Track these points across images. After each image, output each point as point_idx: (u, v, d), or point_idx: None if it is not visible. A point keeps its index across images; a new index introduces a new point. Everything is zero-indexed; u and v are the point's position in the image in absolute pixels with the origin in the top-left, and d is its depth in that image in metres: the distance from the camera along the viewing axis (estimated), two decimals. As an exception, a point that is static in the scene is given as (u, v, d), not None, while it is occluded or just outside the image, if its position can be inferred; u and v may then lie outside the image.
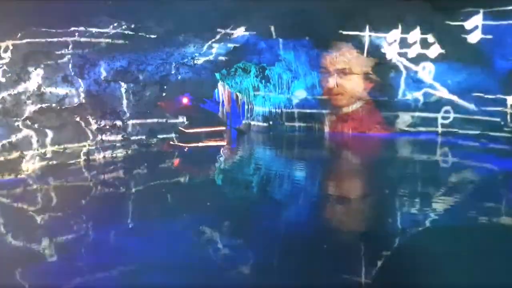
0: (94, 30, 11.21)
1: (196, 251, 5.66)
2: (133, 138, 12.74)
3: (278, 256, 5.53)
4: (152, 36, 12.35)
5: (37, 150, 10.25)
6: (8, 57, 9.92)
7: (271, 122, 17.11)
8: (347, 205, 7.95)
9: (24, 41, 10.06)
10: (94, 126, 11.74)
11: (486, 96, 14.12)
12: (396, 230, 6.40)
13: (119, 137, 12.37)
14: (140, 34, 12.08)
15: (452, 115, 14.85)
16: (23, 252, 5.70)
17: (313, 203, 8.06)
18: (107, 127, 12.15)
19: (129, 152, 12.14)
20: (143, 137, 13.05)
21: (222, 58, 15.00)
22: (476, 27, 13.40)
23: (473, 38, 13.52)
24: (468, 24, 13.43)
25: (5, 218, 7.10)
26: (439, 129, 15.10)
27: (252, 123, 17.55)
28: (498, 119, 13.95)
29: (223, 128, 16.73)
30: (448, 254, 5.39)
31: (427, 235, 6.19)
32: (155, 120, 13.61)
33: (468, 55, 13.63)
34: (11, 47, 9.90)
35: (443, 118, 14.99)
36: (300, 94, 16.45)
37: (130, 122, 12.86)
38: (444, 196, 8.20)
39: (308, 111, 16.77)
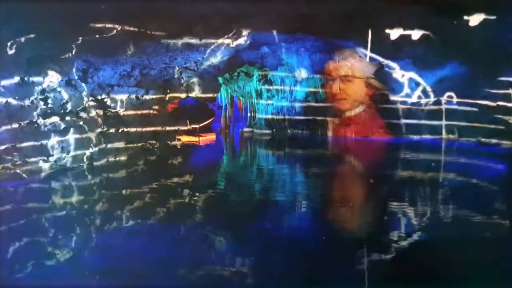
0: (97, 34, 11.28)
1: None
2: (135, 142, 12.77)
3: (276, 260, 5.55)
4: (155, 41, 12.42)
5: (40, 154, 10.29)
6: (12, 61, 9.99)
7: (274, 129, 17.12)
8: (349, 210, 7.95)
9: (28, 45, 10.12)
10: (97, 130, 11.78)
11: (489, 102, 14.13)
12: (395, 235, 6.40)
13: (122, 142, 12.41)
14: (143, 38, 12.15)
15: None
16: (25, 253, 5.72)
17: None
18: (110, 131, 12.19)
19: (132, 156, 12.17)
20: (146, 141, 13.08)
21: (224, 62, 15.04)
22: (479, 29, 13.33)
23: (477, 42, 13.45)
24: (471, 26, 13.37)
25: (7, 220, 7.13)
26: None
27: (255, 127, 17.57)
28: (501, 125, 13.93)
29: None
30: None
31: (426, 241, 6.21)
32: (158, 123, 13.65)
33: (471, 59, 13.60)
34: (15, 51, 9.97)
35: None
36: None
37: (133, 125, 12.91)
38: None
39: (311, 114, 16.79)
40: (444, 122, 15.19)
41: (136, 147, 12.68)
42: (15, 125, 10.10)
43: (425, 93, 15.38)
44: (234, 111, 19.14)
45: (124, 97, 12.84)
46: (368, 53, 14.80)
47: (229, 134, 18.05)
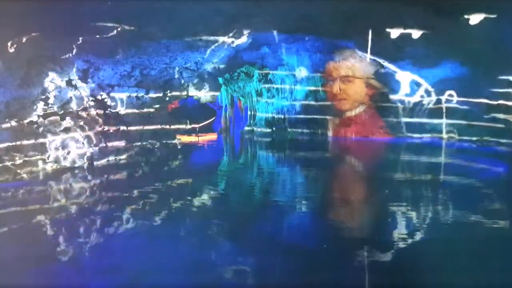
0: (98, 34, 11.28)
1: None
2: (136, 141, 12.78)
3: (278, 260, 5.54)
4: (156, 41, 12.43)
5: (41, 153, 10.30)
6: (12, 61, 10.00)
7: (274, 129, 17.11)
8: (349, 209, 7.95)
9: (29, 45, 10.13)
10: (97, 130, 11.78)
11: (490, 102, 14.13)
12: (395, 234, 6.41)
13: (123, 141, 12.42)
14: (143, 38, 12.16)
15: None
16: (27, 254, 5.72)
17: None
18: (111, 131, 12.20)
19: (133, 156, 12.17)
20: (147, 141, 13.09)
21: (225, 62, 15.05)
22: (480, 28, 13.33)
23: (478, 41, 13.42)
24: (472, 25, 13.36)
25: (8, 221, 7.12)
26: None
27: (255, 127, 17.56)
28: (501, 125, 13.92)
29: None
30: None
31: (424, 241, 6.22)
32: (159, 123, 13.67)
33: (472, 58, 13.60)
34: (15, 51, 9.97)
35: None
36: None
37: (133, 126, 12.92)
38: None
39: (311, 115, 16.78)
40: (444, 121, 15.18)
41: (136, 146, 12.68)
42: (15, 125, 10.11)
43: (426, 92, 15.37)
44: (234, 111, 19.10)
45: (124, 97, 12.85)
46: (369, 53, 14.80)
47: (229, 134, 18.03)
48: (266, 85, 16.97)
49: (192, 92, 15.01)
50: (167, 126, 13.97)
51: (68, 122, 11.10)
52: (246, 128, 17.84)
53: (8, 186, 8.96)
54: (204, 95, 15.24)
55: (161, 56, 13.13)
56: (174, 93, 14.47)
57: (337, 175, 11.12)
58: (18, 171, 9.62)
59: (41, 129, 10.52)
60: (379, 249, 5.78)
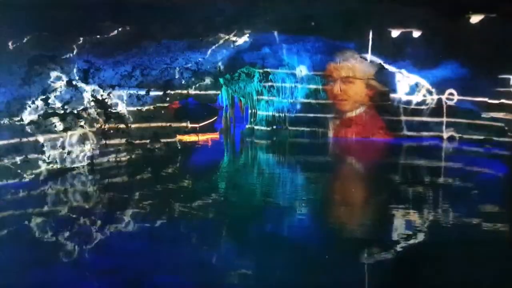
0: (98, 34, 11.30)
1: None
2: (137, 142, 12.77)
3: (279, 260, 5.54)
4: (156, 41, 12.44)
5: (41, 153, 10.30)
6: (13, 61, 10.01)
7: (275, 130, 17.09)
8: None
9: (29, 45, 10.14)
10: (98, 130, 11.79)
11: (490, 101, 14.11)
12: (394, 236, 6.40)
13: (123, 141, 12.42)
14: (144, 38, 12.17)
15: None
16: (27, 255, 5.71)
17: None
18: (111, 131, 12.20)
19: (133, 156, 12.16)
20: (147, 141, 13.08)
21: (225, 62, 15.05)
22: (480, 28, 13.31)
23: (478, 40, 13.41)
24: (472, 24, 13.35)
25: (8, 221, 7.12)
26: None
27: (256, 128, 17.55)
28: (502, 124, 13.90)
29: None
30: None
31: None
32: (159, 124, 13.67)
33: (472, 57, 13.59)
34: (16, 51, 9.99)
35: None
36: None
37: (134, 126, 12.92)
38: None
39: (311, 115, 16.78)
40: (445, 120, 15.15)
41: (137, 146, 12.66)
42: (16, 125, 10.12)
43: (426, 92, 15.35)
44: (235, 111, 19.09)
45: (125, 97, 12.85)
46: (369, 54, 14.80)
47: (230, 134, 18.03)
48: (267, 84, 16.97)
49: (193, 92, 15.00)
50: (168, 125, 13.96)
51: (68, 122, 11.10)
52: (247, 127, 17.83)
53: (8, 186, 8.97)
54: (205, 94, 15.24)
55: (162, 57, 13.16)
56: (175, 93, 14.46)
57: (337, 176, 11.11)
58: (18, 171, 9.62)
59: (41, 129, 10.53)
60: (379, 251, 5.77)
